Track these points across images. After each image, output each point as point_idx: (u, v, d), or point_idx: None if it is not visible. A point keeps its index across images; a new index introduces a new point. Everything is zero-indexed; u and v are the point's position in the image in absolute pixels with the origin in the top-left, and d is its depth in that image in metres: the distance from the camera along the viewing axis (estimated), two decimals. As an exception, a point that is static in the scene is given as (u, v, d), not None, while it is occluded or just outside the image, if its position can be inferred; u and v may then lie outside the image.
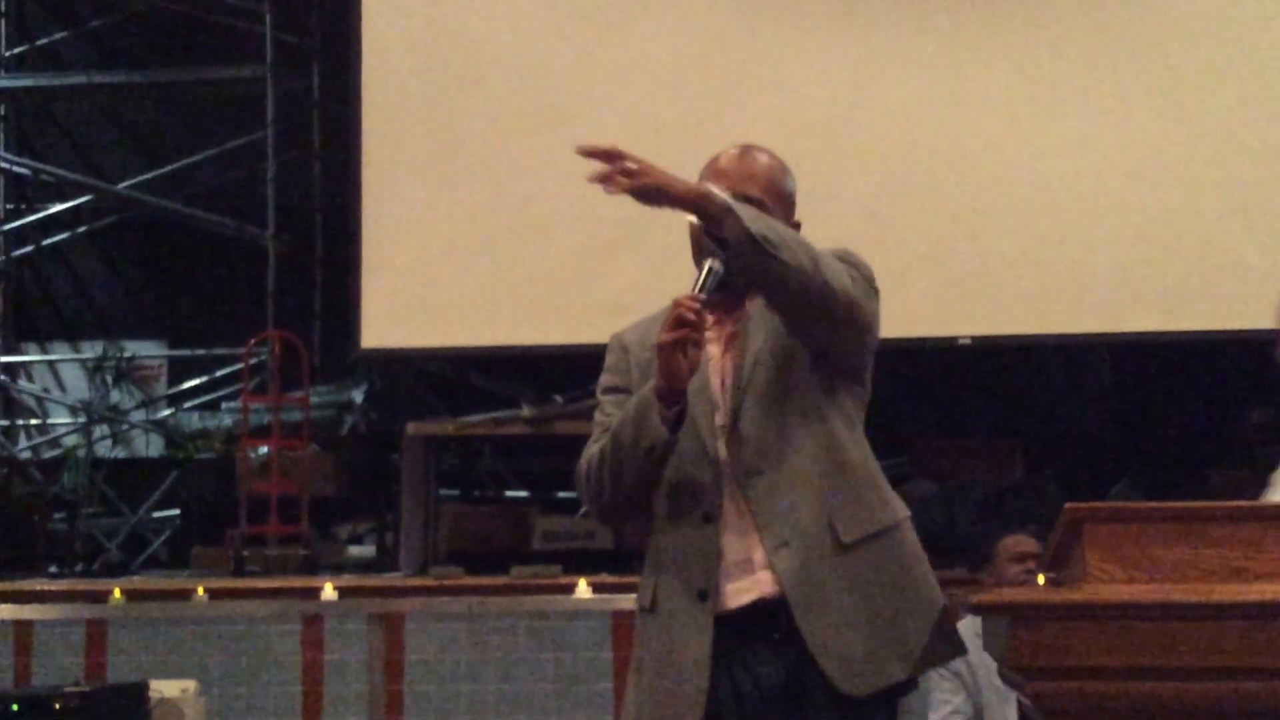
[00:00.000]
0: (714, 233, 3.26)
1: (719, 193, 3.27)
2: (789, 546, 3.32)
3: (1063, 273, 8.38)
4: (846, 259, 3.42)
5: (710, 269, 3.30)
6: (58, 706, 6.56)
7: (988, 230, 8.44)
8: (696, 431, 3.40)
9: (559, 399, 8.54)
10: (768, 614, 3.34)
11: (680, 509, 3.40)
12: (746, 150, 3.56)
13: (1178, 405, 9.44)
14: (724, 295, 3.36)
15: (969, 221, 8.45)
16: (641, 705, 3.45)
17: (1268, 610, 2.91)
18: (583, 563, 7.88)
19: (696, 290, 3.29)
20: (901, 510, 3.49)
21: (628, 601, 6.70)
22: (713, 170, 3.53)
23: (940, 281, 8.41)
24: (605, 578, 7.32)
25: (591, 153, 3.28)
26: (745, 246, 3.21)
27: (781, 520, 3.33)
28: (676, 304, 3.28)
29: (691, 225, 3.40)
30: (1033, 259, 8.40)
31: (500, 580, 7.59)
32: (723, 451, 3.39)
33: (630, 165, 3.28)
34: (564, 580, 7.50)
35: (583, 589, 7.31)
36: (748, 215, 3.23)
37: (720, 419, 3.42)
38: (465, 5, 8.90)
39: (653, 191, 3.28)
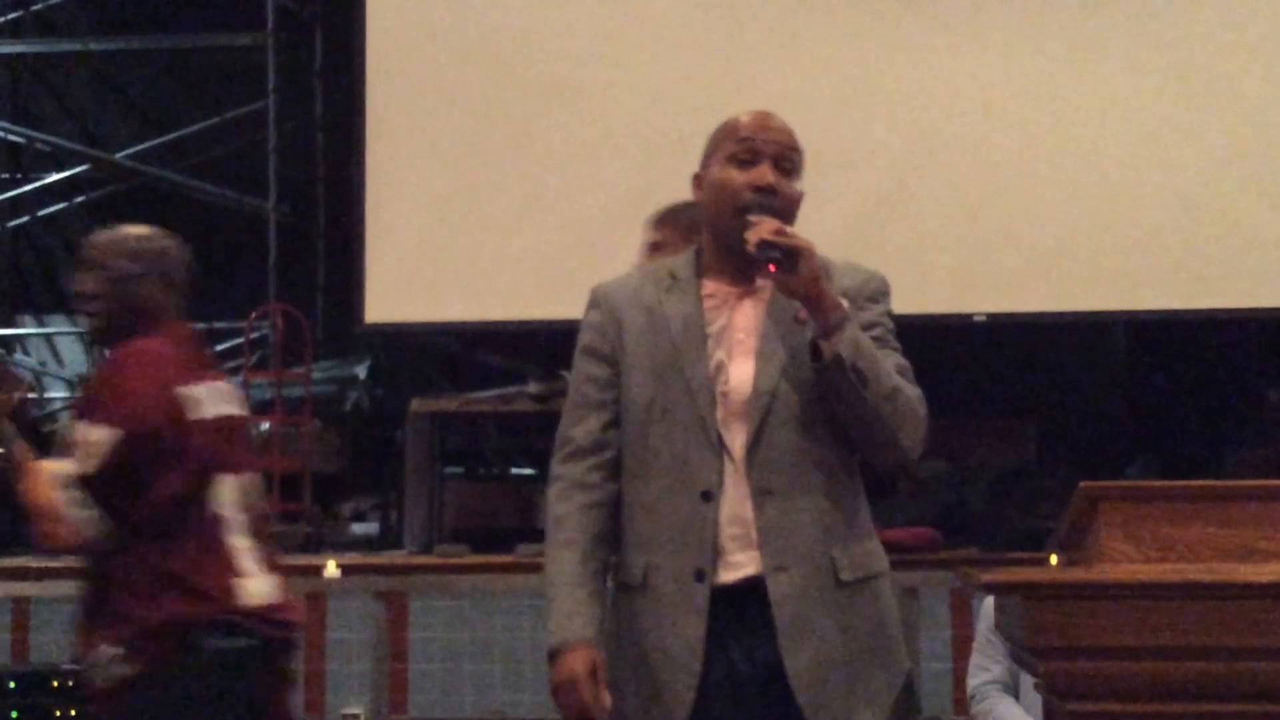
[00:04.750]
0: (817, 337, 3.30)
1: (847, 306, 3.32)
2: (786, 572, 3.33)
3: (1079, 249, 8.42)
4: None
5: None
6: (55, 684, 6.62)
7: (1003, 207, 8.48)
8: (691, 399, 3.39)
9: (566, 375, 8.56)
10: (759, 591, 3.36)
11: (676, 484, 3.39)
12: (770, 113, 3.55)
13: (1194, 384, 9.46)
14: (749, 261, 3.37)
15: (984, 198, 8.48)
16: (622, 686, 3.44)
17: (1282, 590, 2.95)
18: (589, 541, 7.89)
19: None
20: (886, 562, 3.52)
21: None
22: (739, 128, 3.48)
23: (955, 258, 8.45)
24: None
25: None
26: (836, 370, 3.26)
27: (784, 544, 3.34)
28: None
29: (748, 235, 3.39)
30: (1049, 235, 8.44)
31: (505, 559, 7.62)
32: (738, 451, 3.39)
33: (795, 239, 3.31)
34: (570, 559, 7.53)
35: (589, 568, 7.34)
36: (851, 340, 3.27)
37: (728, 411, 3.40)
38: (472, -27, 8.93)
39: (801, 263, 3.29)
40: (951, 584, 7.09)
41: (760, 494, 3.35)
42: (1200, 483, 3.23)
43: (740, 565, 3.35)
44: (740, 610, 3.35)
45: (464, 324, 8.94)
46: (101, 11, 12.01)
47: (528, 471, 9.86)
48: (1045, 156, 8.46)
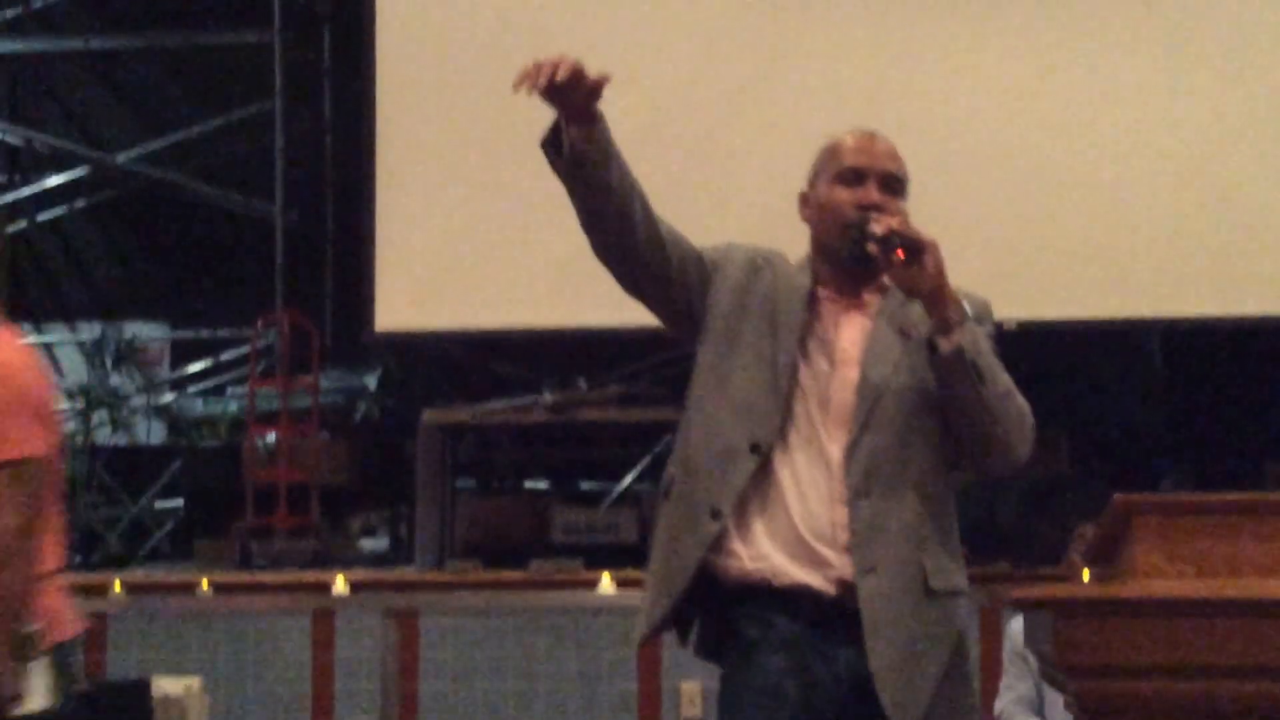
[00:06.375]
0: (934, 334, 3.46)
1: (966, 306, 3.45)
2: (876, 574, 3.41)
3: (1113, 255, 8.41)
4: None
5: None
6: (56, 704, 6.62)
7: (1034, 210, 8.47)
8: (774, 364, 3.54)
9: (583, 384, 8.57)
10: (845, 599, 3.42)
11: (733, 430, 3.52)
12: (874, 133, 3.79)
13: (1232, 394, 9.45)
14: (868, 264, 3.55)
15: (1014, 201, 8.47)
16: (658, 575, 3.69)
17: (1322, 607, 2.95)
18: (606, 557, 7.90)
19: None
20: (967, 584, 3.61)
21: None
22: (845, 149, 3.73)
23: (984, 263, 8.42)
24: (629, 572, 7.34)
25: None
26: (956, 362, 3.42)
27: (877, 546, 3.43)
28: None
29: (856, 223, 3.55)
30: (1082, 240, 8.43)
31: (519, 575, 7.63)
32: (837, 455, 3.49)
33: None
34: (586, 575, 7.54)
35: (606, 584, 7.36)
36: (971, 338, 3.44)
37: (830, 417, 3.51)
38: (486, -30, 8.93)
39: (927, 256, 3.43)
40: (980, 602, 7.09)
41: (856, 495, 3.45)
42: (1238, 496, 3.24)
43: (829, 566, 3.45)
44: (824, 615, 3.44)
45: (477, 332, 8.92)
46: (103, 8, 12.01)
47: (542, 485, 9.87)
48: (1077, 158, 8.45)
